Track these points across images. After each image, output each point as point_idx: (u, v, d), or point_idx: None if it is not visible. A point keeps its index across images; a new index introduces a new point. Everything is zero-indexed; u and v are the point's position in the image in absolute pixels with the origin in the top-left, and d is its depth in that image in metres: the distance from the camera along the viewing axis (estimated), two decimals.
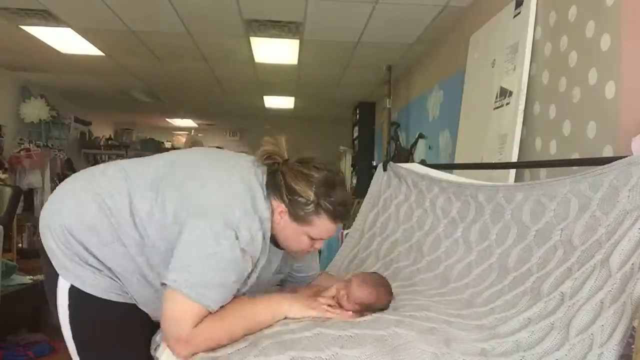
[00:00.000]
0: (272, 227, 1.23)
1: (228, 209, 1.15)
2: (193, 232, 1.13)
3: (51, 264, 1.24)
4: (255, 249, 1.17)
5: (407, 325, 1.16)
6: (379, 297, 1.35)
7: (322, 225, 1.23)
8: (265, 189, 1.23)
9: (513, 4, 2.42)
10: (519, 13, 2.34)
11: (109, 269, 1.23)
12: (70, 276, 1.22)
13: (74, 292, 1.22)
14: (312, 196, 1.21)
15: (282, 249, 1.32)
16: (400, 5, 3.29)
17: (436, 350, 1.04)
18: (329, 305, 1.30)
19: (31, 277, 3.18)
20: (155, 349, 1.25)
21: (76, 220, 1.22)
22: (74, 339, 1.25)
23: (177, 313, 1.09)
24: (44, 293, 1.28)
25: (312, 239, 1.26)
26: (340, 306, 1.32)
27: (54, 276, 1.23)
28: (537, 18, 2.20)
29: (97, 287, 1.22)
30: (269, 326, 1.20)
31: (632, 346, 0.91)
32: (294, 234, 1.25)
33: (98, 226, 1.21)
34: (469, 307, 1.38)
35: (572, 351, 1.00)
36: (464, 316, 1.31)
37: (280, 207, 1.22)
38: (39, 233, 1.29)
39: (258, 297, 1.25)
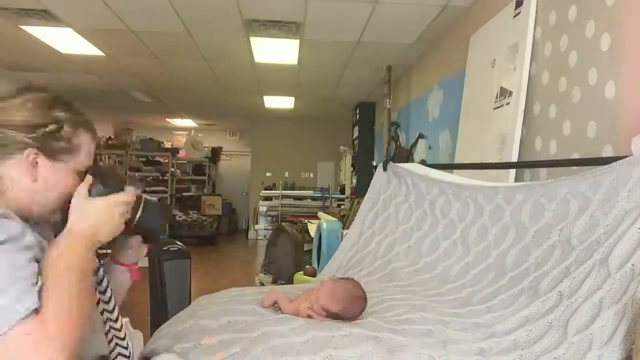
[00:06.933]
0: (21, 200, 0.89)
1: None
2: None
3: None
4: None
5: (400, 332, 1.16)
6: (346, 309, 1.28)
7: (86, 144, 0.97)
8: None
9: (513, 4, 2.41)
10: (519, 13, 2.34)
11: None
12: None
13: None
14: (61, 115, 0.92)
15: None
16: (400, 5, 3.28)
17: (432, 352, 1.04)
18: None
19: None
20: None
21: None
22: None
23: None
24: None
25: (78, 173, 0.97)
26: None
27: None
28: (537, 18, 2.20)
29: None
30: (256, 325, 1.15)
31: (632, 346, 0.91)
32: (60, 181, 0.94)
33: None
34: (466, 305, 1.38)
35: (570, 350, 0.99)
36: (461, 314, 1.31)
37: (27, 157, 0.89)
38: None
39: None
